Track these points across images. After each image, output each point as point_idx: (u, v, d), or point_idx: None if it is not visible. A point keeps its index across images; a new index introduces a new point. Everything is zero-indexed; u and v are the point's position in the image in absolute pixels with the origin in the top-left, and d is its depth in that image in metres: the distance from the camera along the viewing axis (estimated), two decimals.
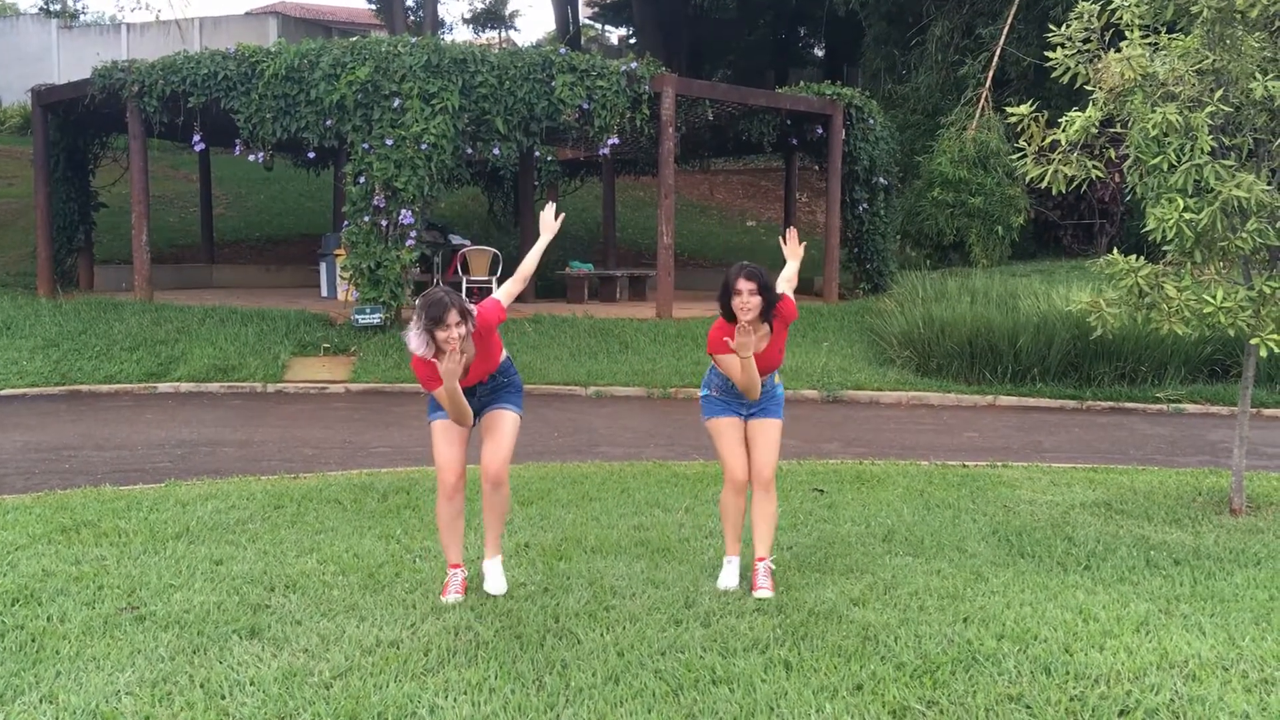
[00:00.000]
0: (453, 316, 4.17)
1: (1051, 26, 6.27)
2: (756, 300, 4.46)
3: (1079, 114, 5.95)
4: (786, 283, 4.90)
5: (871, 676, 3.64)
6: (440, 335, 4.18)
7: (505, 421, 4.58)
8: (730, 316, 4.53)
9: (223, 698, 3.48)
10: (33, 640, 3.97)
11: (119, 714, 3.36)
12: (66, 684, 3.58)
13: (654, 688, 3.56)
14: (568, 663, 3.76)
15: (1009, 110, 6.26)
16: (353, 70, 12.93)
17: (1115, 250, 6.32)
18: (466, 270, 15.57)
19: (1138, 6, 5.97)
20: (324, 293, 17.15)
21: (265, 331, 13.18)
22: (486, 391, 4.62)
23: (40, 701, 3.46)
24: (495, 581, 4.61)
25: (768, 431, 4.75)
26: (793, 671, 3.69)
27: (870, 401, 11.75)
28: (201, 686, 3.55)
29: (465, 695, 3.50)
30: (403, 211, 12.80)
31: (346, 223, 13.18)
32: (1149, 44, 5.92)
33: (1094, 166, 6.07)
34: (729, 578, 4.77)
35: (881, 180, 17.30)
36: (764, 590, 4.59)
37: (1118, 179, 6.37)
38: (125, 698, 3.47)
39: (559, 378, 11.97)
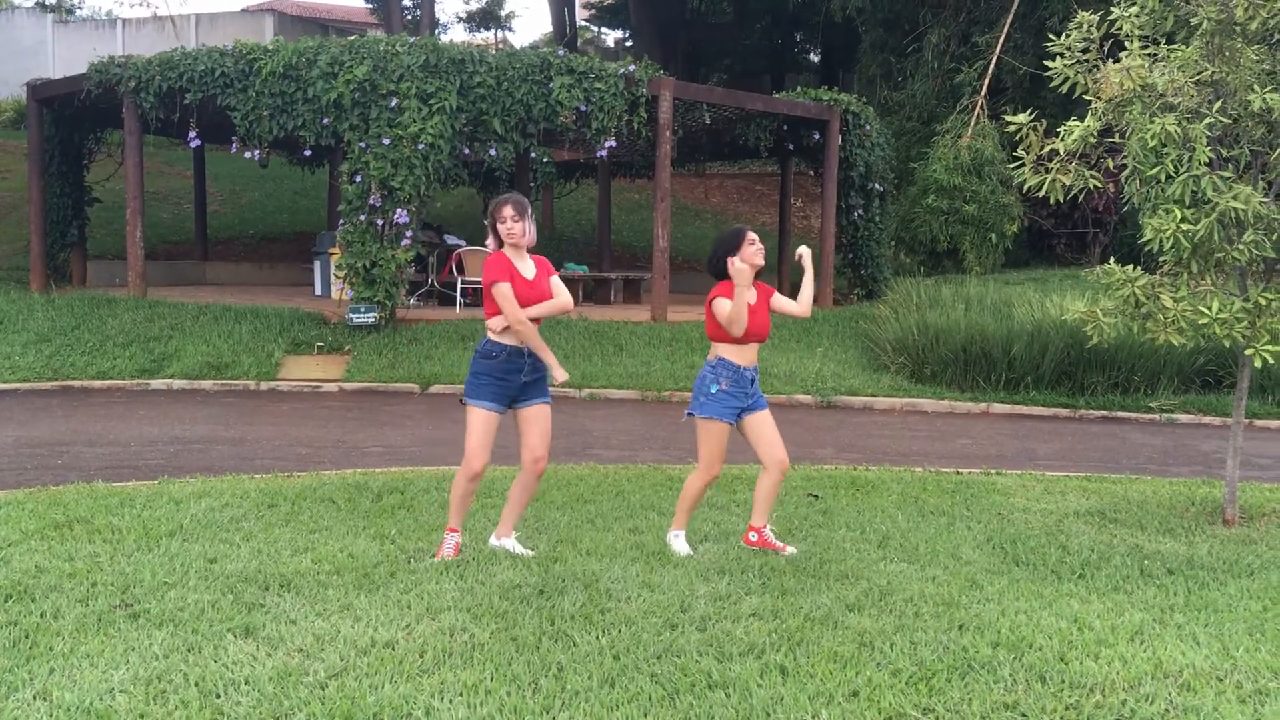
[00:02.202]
0: (507, 210, 4.94)
1: (1051, 36, 6.29)
2: (762, 248, 5.25)
3: (1077, 123, 5.98)
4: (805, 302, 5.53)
5: (867, 683, 3.64)
6: (502, 230, 4.96)
7: (547, 416, 5.15)
8: (725, 274, 5.18)
9: (217, 696, 3.47)
10: (26, 637, 3.95)
11: (113, 712, 3.35)
12: (60, 681, 3.56)
13: (650, 691, 3.55)
14: (564, 665, 3.75)
15: (1008, 119, 6.28)
16: (350, 69, 12.92)
17: (1111, 260, 6.35)
18: (461, 271, 15.55)
19: (1137, 17, 6.00)
20: (318, 291, 17.13)
21: (259, 329, 13.16)
22: (529, 371, 5.04)
23: (34, 699, 3.44)
24: (521, 549, 5.23)
25: (769, 421, 5.34)
26: (789, 677, 3.69)
27: (864, 407, 11.77)
28: (196, 685, 3.54)
29: (461, 697, 3.49)
30: (398, 211, 12.79)
31: (342, 221, 13.17)
32: (1148, 55, 5.94)
33: (1092, 176, 6.09)
34: (686, 545, 5.37)
35: (877, 186, 17.33)
36: (790, 548, 5.38)
37: (1113, 188, 6.40)
38: (119, 695, 3.46)
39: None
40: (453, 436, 9.28)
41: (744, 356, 5.24)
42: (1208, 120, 5.63)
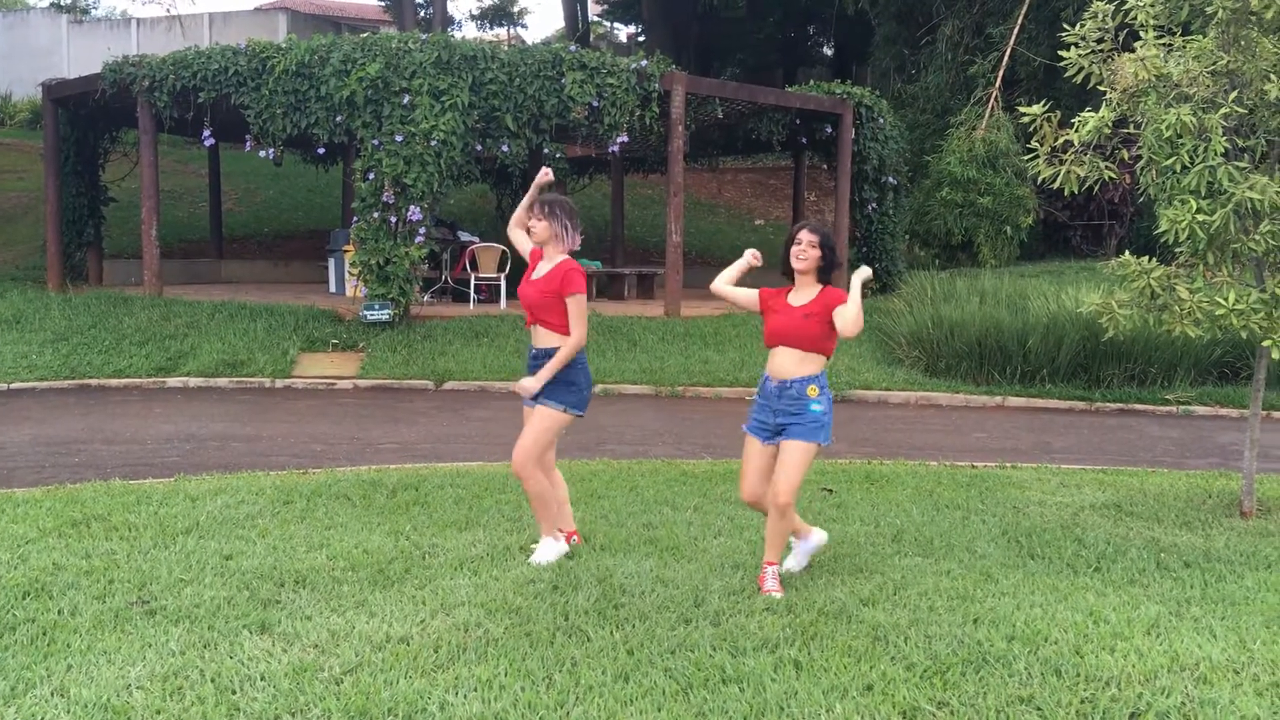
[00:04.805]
0: (539, 209, 4.98)
1: (1065, 26, 6.26)
2: (815, 253, 4.58)
3: (1092, 114, 5.94)
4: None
5: (882, 677, 3.63)
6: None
7: (536, 416, 5.04)
8: (788, 272, 4.67)
9: (233, 692, 3.49)
10: (44, 633, 3.98)
11: (130, 708, 3.37)
12: (77, 677, 3.58)
13: (664, 686, 3.55)
14: (577, 660, 3.75)
15: (1022, 110, 6.24)
16: (363, 67, 12.94)
17: (1127, 252, 6.31)
18: (475, 267, 15.57)
19: (1152, 7, 5.96)
20: (332, 288, 17.17)
21: (274, 327, 13.20)
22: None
23: (51, 695, 3.46)
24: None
25: (787, 452, 4.58)
26: (802, 671, 3.69)
27: (878, 401, 11.73)
28: (212, 681, 3.56)
29: (475, 692, 3.50)
30: (411, 208, 12.81)
31: (355, 219, 13.20)
32: (1163, 45, 5.90)
33: (1106, 167, 6.05)
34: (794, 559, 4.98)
35: (890, 180, 17.27)
36: (769, 590, 4.55)
37: (1128, 180, 6.36)
38: (136, 691, 3.48)
39: None
40: (466, 433, 9.30)
41: (770, 364, 4.69)
42: (1223, 110, 5.59)
